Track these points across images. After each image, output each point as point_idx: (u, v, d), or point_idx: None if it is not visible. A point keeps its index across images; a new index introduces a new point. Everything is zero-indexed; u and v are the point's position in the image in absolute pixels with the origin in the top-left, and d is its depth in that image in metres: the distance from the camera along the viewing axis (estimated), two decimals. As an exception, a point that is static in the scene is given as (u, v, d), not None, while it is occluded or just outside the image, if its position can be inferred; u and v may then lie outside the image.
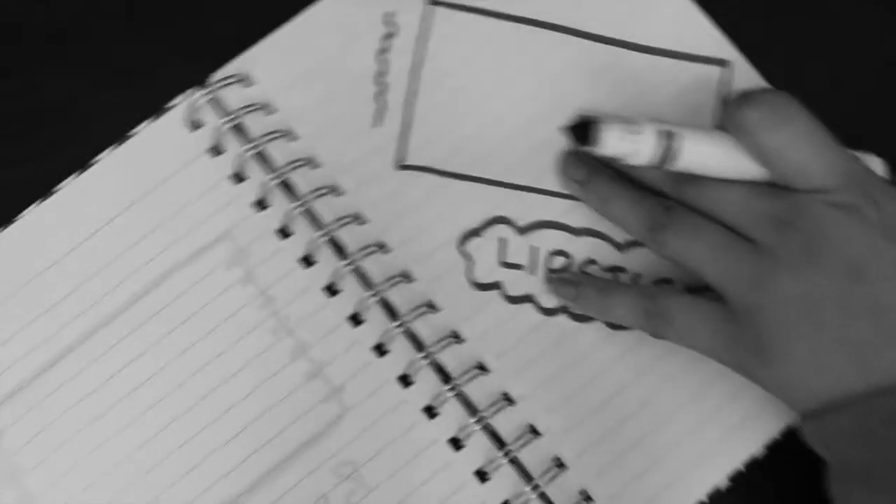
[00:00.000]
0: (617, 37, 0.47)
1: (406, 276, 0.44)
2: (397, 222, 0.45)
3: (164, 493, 0.43)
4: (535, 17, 0.47)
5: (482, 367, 0.43)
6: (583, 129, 0.39)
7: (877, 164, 0.42)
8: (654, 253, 0.43)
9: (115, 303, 0.44)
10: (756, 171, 0.40)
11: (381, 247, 0.45)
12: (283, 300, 0.44)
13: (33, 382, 0.44)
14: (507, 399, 0.43)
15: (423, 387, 0.43)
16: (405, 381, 0.43)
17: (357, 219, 0.45)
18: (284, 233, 0.45)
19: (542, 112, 0.46)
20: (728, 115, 0.40)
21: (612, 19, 0.47)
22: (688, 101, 0.47)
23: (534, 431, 0.43)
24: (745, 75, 0.47)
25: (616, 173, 0.44)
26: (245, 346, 0.44)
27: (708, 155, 0.40)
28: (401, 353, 0.44)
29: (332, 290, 0.44)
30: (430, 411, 0.43)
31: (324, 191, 0.45)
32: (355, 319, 0.44)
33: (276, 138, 0.45)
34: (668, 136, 0.39)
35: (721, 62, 0.47)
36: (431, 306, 0.44)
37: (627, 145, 0.39)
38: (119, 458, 0.43)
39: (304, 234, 0.45)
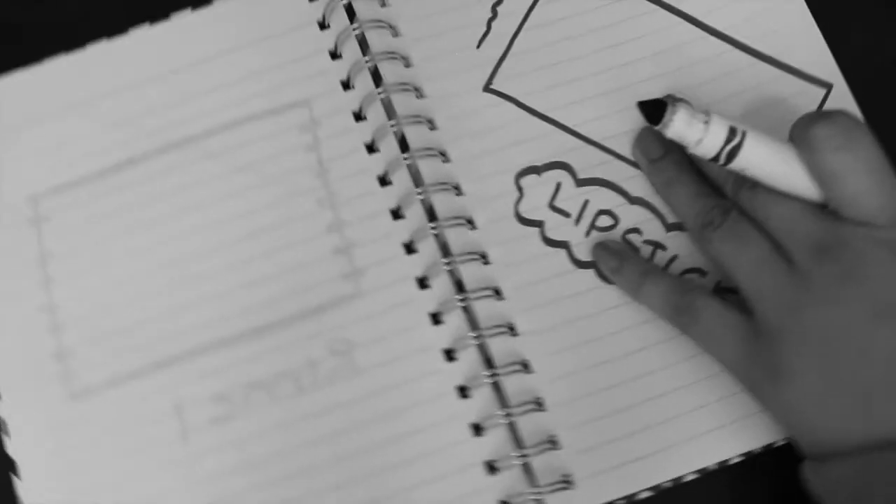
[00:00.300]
0: (730, 33, 0.47)
1: (457, 188, 0.45)
2: (466, 138, 0.46)
3: (168, 316, 0.45)
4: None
5: (498, 293, 0.44)
6: (655, 108, 0.40)
7: None
8: (699, 248, 0.44)
9: (187, 133, 0.47)
10: (811, 190, 0.39)
11: (443, 154, 0.46)
12: (338, 176, 0.46)
13: (91, 182, 0.47)
14: (511, 329, 0.44)
15: (436, 293, 0.44)
16: (422, 283, 0.45)
17: (429, 123, 0.46)
18: (358, 116, 0.47)
19: (635, 82, 0.47)
20: (797, 129, 0.39)
21: (729, 16, 0.47)
22: (782, 115, 0.46)
23: (525, 366, 0.43)
24: (842, 100, 0.46)
25: (685, 161, 0.44)
26: (289, 206, 0.46)
27: (767, 161, 0.40)
28: (427, 256, 0.45)
29: (384, 180, 0.46)
30: (436, 318, 0.44)
31: (407, 87, 0.47)
32: (396, 213, 0.45)
33: (380, 27, 0.47)
34: (733, 133, 0.40)
35: (828, 85, 0.46)
36: (470, 222, 0.45)
37: (693, 132, 0.40)
38: (139, 271, 0.46)
39: (375, 121, 0.46)
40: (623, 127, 0.46)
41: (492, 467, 0.43)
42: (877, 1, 0.48)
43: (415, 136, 0.46)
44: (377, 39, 0.47)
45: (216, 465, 0.43)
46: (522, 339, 0.44)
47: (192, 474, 0.43)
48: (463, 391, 0.43)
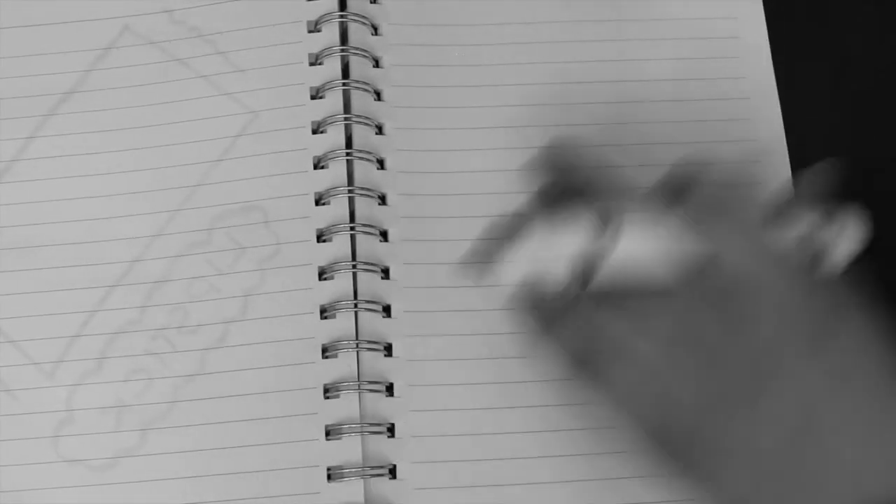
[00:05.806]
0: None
1: (381, 197, 0.48)
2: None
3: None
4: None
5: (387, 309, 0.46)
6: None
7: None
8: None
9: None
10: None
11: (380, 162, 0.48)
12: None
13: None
14: (387, 311, 0.46)
15: (334, 289, 0.46)
16: (322, 275, 0.47)
17: (379, 129, 0.49)
18: (317, 61, 0.49)
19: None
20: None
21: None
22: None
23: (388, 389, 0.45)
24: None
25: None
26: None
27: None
28: (336, 250, 0.47)
29: (318, 165, 0.48)
30: (323, 312, 0.46)
31: (367, 87, 0.49)
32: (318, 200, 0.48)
33: (364, 24, 0.50)
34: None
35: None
36: (383, 234, 0.48)
37: (538, 266, 0.36)
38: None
39: (330, 70, 0.49)
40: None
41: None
42: (877, 1, 0.49)
43: (359, 132, 0.48)
44: (359, 34, 0.50)
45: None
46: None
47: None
48: (325, 350, 0.45)
